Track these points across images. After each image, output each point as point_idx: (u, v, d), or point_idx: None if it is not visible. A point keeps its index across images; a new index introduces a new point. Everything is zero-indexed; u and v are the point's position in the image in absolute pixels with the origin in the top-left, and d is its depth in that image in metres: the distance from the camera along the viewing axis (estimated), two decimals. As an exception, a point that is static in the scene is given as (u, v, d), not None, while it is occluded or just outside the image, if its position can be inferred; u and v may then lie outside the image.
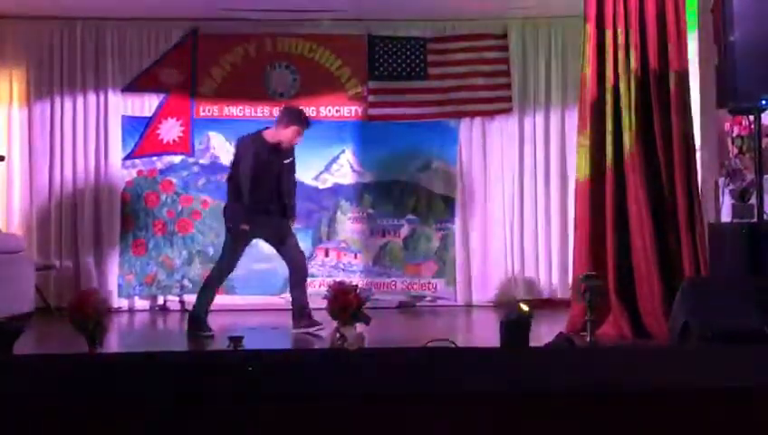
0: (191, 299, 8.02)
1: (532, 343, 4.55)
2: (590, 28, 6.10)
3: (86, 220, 8.01)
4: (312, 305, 6.40)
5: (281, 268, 8.06)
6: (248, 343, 4.97)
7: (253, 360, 3.50)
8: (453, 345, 4.75)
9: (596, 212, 6.02)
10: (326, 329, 5.92)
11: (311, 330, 6.29)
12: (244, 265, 8.07)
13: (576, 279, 6.02)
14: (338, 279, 6.91)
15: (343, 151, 8.28)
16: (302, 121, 6.63)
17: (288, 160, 6.64)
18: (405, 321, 7.56)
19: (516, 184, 8.23)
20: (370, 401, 2.93)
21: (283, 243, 6.61)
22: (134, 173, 8.15)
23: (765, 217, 5.30)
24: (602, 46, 6.06)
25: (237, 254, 6.60)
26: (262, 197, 6.47)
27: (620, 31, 6.00)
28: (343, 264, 8.17)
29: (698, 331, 4.42)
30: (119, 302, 7.99)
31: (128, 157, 8.14)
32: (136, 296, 8.08)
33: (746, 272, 5.01)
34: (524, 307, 4.72)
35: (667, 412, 2.93)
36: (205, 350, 5.81)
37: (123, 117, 8.15)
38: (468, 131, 8.31)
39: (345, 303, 4.91)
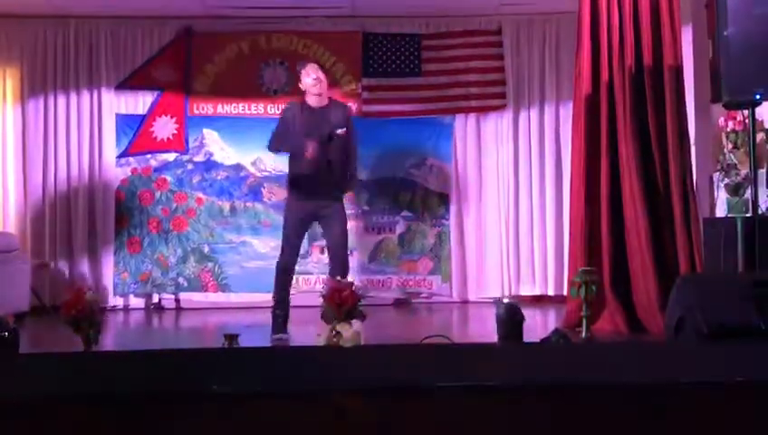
0: (186, 297, 8.07)
1: (529, 339, 4.56)
2: (585, 24, 6.11)
3: (80, 218, 7.99)
4: (308, 303, 6.36)
5: (274, 265, 8.08)
6: (243, 341, 4.97)
7: (248, 357, 3.50)
8: (448, 341, 4.76)
9: (591, 208, 6.03)
10: (322, 327, 5.90)
11: None
12: (237, 263, 8.12)
13: (571, 274, 6.03)
14: (333, 276, 6.91)
15: (338, 148, 8.26)
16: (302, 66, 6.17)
17: (340, 131, 6.01)
18: (401, 318, 7.57)
19: (511, 180, 8.24)
20: (367, 397, 2.93)
21: (325, 228, 6.20)
22: (128, 171, 8.14)
23: (760, 211, 5.31)
24: (596, 42, 6.06)
25: (289, 239, 6.14)
26: (299, 171, 6.05)
27: (614, 26, 6.01)
28: (339, 261, 8.14)
29: (694, 326, 4.42)
30: (114, 300, 7.99)
31: (122, 155, 8.13)
32: (131, 295, 8.08)
33: (742, 267, 5.02)
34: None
35: (662, 408, 2.93)
36: (200, 347, 5.80)
37: (117, 115, 8.14)
38: (463, 128, 8.31)
39: (341, 300, 4.90)
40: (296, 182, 6.09)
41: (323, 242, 8.13)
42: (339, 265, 6.04)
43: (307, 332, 6.23)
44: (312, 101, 6.07)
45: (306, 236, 8.10)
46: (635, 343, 5.27)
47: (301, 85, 6.15)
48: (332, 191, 6.08)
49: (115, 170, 8.11)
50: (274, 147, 6.23)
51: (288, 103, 6.41)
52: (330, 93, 6.24)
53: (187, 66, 8.15)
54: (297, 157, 6.03)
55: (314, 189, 6.01)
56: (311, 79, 6.04)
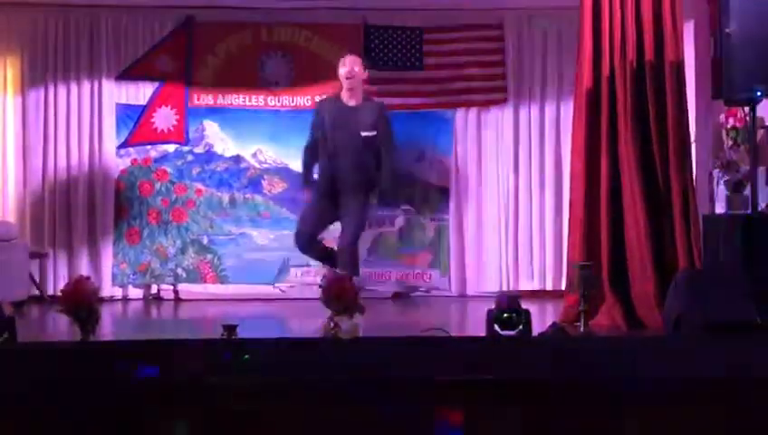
0: (185, 288, 8.06)
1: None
2: (586, 19, 6.11)
3: (80, 208, 7.98)
4: (307, 295, 6.37)
5: (274, 257, 8.10)
6: (242, 332, 4.97)
7: (247, 349, 3.50)
8: (446, 334, 4.76)
9: (590, 203, 6.03)
10: (321, 319, 5.91)
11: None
12: (236, 255, 8.11)
13: (570, 269, 6.03)
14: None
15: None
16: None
17: (367, 133, 6.02)
18: (399, 311, 7.57)
19: (511, 174, 8.23)
20: (365, 389, 2.94)
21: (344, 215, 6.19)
22: (128, 162, 8.12)
23: (759, 208, 5.32)
24: (598, 37, 6.06)
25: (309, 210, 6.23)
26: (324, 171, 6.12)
27: (616, 22, 6.01)
28: (338, 254, 8.14)
29: (692, 322, 4.43)
30: (112, 290, 7.98)
31: (122, 145, 8.11)
32: (130, 285, 8.07)
33: (740, 263, 5.03)
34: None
35: (660, 402, 2.93)
36: (199, 338, 5.80)
37: (117, 105, 8.12)
38: (463, 122, 8.29)
39: (339, 292, 4.90)
40: (320, 182, 6.08)
41: (323, 235, 8.19)
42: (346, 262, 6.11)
43: (305, 324, 6.25)
44: (345, 96, 5.95)
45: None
46: (633, 338, 5.28)
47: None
48: (357, 192, 6.00)
49: (115, 161, 8.09)
50: (305, 162, 6.21)
51: (318, 103, 6.30)
52: (332, 86, 6.09)
53: (187, 57, 8.12)
54: (322, 155, 6.02)
55: (338, 189, 5.98)
56: (344, 70, 5.91)
